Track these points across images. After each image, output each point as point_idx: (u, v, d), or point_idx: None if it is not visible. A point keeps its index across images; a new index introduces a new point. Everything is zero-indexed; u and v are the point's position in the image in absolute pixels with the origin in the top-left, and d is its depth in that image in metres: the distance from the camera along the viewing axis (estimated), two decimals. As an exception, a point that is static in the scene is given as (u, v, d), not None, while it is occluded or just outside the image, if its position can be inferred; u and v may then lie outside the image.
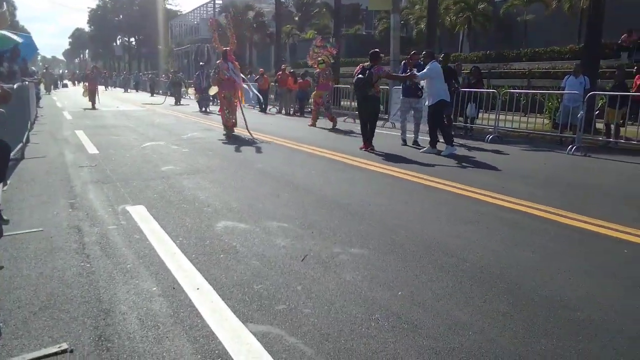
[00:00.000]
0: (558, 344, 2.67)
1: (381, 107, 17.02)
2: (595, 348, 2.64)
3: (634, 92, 10.82)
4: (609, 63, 17.13)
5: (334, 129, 14.22)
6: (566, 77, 12.36)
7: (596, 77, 13.15)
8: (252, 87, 16.06)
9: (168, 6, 72.63)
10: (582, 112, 10.26)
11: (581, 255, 4.07)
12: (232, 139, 11.11)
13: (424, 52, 10.51)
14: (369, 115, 9.95)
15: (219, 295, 3.12)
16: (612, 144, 10.82)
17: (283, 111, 21.20)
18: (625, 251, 4.17)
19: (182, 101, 26.62)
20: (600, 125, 11.91)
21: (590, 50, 13.63)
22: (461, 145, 10.64)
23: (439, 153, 9.44)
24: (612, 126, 11.25)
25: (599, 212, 5.29)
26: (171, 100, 26.75)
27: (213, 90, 12.88)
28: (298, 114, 20.07)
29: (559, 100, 12.39)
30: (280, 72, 21.87)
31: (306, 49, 19.61)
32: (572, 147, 10.11)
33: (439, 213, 5.30)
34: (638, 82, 11.37)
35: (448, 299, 3.17)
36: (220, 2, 52.91)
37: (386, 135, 12.84)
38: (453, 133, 10.60)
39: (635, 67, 12.15)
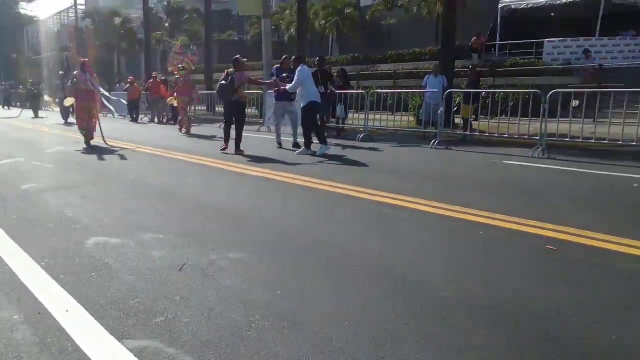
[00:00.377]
0: (425, 322, 2.87)
1: (255, 110, 17.17)
2: (456, 322, 2.88)
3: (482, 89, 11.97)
4: (463, 63, 18.66)
5: (188, 134, 14.57)
6: (426, 76, 13.31)
7: (452, 76, 14.29)
8: (110, 96, 15.42)
9: (22, 10, 66.86)
10: (441, 108, 11.13)
11: (445, 240, 4.44)
12: (100, 151, 10.53)
13: (293, 57, 10.76)
14: (236, 121, 10.13)
15: (91, 314, 2.98)
16: (468, 136, 11.85)
17: (156, 120, 20.51)
18: (480, 232, 4.61)
19: (44, 113, 24.70)
20: (458, 120, 12.97)
21: (446, 51, 14.79)
22: (335, 145, 11.02)
23: (314, 153, 9.70)
24: (469, 120, 12.31)
25: (460, 199, 5.77)
26: (29, 113, 24.72)
27: (69, 102, 12.19)
28: (172, 122, 19.52)
29: (422, 98, 13.30)
30: (151, 80, 21.14)
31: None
32: (434, 142, 10.93)
33: (317, 211, 5.47)
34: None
35: (325, 292, 3.29)
36: (83, 7, 49.70)
37: (262, 139, 12.93)
38: (326, 134, 10.95)
39: (470, 66, 13.52)
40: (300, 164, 8.64)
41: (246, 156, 9.51)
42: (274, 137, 11.54)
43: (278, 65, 11.66)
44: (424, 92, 12.87)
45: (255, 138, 13.08)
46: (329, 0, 34.14)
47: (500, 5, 21.27)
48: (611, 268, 3.75)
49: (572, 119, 9.95)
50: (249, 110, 18.14)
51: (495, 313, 2.99)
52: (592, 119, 10.00)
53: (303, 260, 3.88)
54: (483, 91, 12.01)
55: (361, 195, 6.10)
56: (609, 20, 19.41)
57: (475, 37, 21.11)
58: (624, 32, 19.68)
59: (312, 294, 3.26)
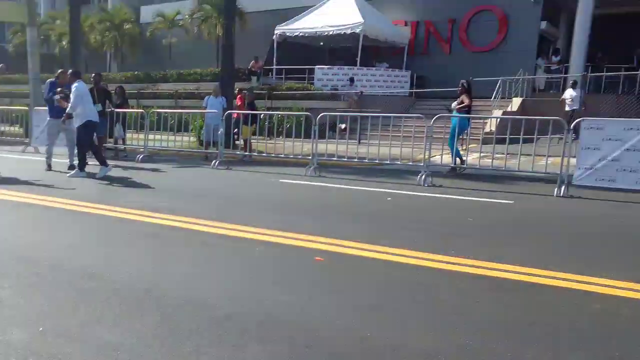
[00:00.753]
0: (202, 341, 2.93)
1: (20, 129, 15.46)
2: (232, 338, 2.99)
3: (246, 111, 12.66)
4: (243, 85, 19.34)
5: None
6: (206, 97, 13.49)
7: (232, 97, 14.73)
8: None
9: None
10: (222, 129, 11.40)
11: (222, 259, 4.59)
12: None
13: (69, 72, 10.01)
14: None
15: None
16: (248, 157, 12.35)
17: None
18: (257, 249, 4.86)
19: None
20: (239, 141, 13.40)
21: (226, 73, 15.21)
22: (115, 167, 10.48)
23: (89, 176, 9.12)
24: (249, 141, 12.81)
25: (239, 218, 5.99)
26: None
27: None
28: None
29: (203, 119, 13.44)
30: None
31: None
32: (215, 162, 11.14)
33: (87, 238, 5.18)
34: (239, 103, 13.36)
35: (96, 323, 3.15)
36: None
37: (28, 160, 11.69)
38: (104, 155, 10.36)
39: (238, 89, 14.35)
40: (73, 188, 8.04)
41: (4, 179, 8.50)
42: (43, 159, 10.48)
43: (53, 79, 10.66)
44: (204, 113, 13.02)
45: (20, 160, 11.77)
46: (106, 13, 32.37)
47: (276, 32, 22.59)
48: (368, 274, 4.29)
49: (340, 140, 11.07)
50: (12, 128, 16.23)
51: (267, 327, 3.17)
52: (356, 140, 11.25)
53: (71, 292, 3.65)
54: (262, 113, 12.65)
55: (139, 218, 5.95)
56: (368, 52, 22.06)
57: (254, 61, 22.09)
58: (380, 63, 22.58)
59: (80, 327, 3.10)
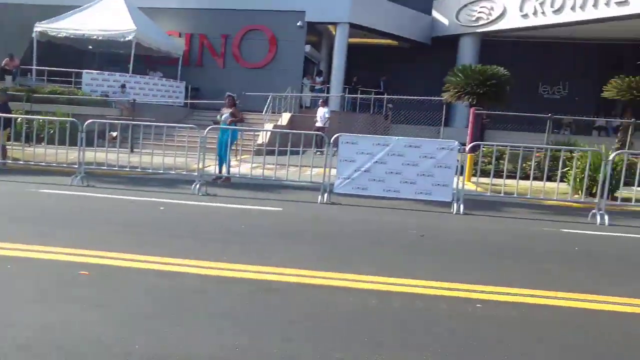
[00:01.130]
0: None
1: None
2: None
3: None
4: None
5: None
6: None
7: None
8: None
9: None
10: (-34, 134, 9.98)
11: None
12: None
13: None
14: None
15: None
16: (1, 165, 10.99)
17: None
18: (8, 266, 4.45)
19: None
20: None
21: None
22: None
23: None
24: (1, 147, 11.40)
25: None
26: None
27: None
28: None
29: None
30: None
31: None
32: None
33: None
34: None
35: None
36: None
37: None
38: None
39: None
40: None
41: None
42: None
43: None
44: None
45: None
46: None
47: (35, 29, 20.45)
48: (137, 285, 4.27)
49: (110, 149, 10.57)
50: None
51: (24, 351, 3.02)
52: (128, 149, 10.86)
53: None
54: (18, 117, 11.36)
55: None
56: (142, 60, 21.35)
57: (8, 59, 19.65)
58: (154, 72, 22.06)
59: None
